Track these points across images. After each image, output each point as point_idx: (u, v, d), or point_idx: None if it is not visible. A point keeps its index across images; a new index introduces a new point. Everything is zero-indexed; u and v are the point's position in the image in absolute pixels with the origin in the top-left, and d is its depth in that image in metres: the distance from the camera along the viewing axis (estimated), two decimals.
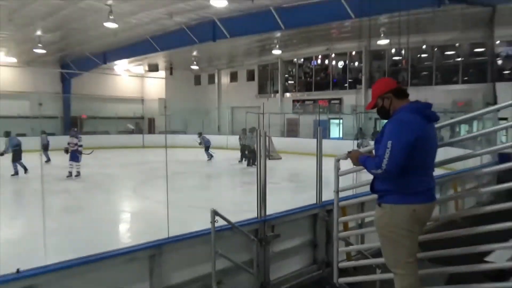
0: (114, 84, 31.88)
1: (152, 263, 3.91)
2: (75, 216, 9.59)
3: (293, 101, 28.13)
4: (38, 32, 20.46)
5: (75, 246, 6.37)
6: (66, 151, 14.87)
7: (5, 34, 20.99)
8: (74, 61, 27.99)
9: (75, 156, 14.56)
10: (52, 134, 26.80)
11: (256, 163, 5.07)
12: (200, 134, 21.15)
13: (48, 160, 18.82)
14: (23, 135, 23.96)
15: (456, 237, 3.43)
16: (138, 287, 3.84)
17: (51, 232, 7.18)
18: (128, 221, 9.83)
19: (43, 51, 22.53)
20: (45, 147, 19.20)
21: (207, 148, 20.75)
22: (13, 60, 25.90)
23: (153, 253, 3.92)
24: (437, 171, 4.75)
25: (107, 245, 4.22)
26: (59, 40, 22.51)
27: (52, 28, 19.96)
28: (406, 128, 2.90)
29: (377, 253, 3.91)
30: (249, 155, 18.19)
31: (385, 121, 3.18)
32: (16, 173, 15.08)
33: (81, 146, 14.79)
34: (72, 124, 28.62)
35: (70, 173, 14.62)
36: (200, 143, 20.71)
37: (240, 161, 19.22)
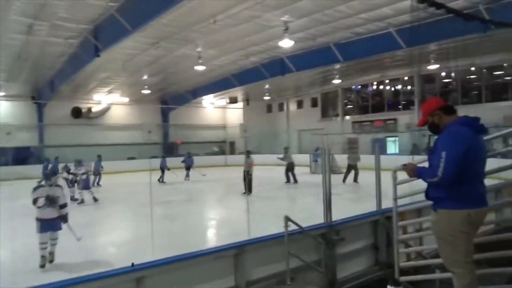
0: (202, 114, 33.17)
1: (236, 261, 3.97)
2: (174, 222, 9.94)
3: (352, 122, 27.51)
4: (145, 77, 22.02)
5: (174, 246, 6.62)
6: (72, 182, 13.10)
7: (120, 80, 22.90)
8: (171, 97, 29.67)
9: (85, 185, 12.76)
10: (155, 157, 28.43)
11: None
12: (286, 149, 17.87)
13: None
14: (133, 158, 25.83)
15: None
16: (225, 280, 3.92)
17: (154, 235, 7.55)
18: (215, 226, 10.05)
19: (148, 91, 24.18)
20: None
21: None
22: (126, 99, 28.03)
23: (237, 252, 3.98)
24: (492, 181, 4.35)
25: (199, 245, 4.35)
26: (160, 82, 24.05)
27: (154, 73, 21.43)
28: (457, 140, 2.77)
29: (435, 255, 3.67)
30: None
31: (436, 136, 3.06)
32: None
33: (84, 174, 12.81)
34: (170, 149, 30.16)
35: (82, 200, 12.57)
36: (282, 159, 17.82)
37: (287, 181, 16.63)
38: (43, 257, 6.20)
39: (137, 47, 16.21)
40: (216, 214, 11.66)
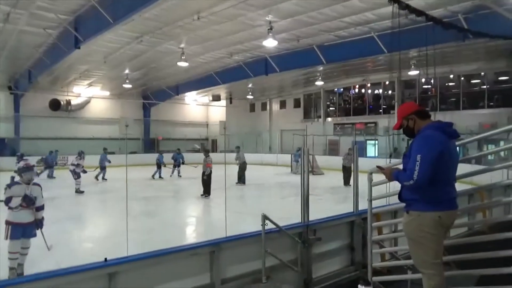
0: (184, 111, 32.95)
1: (212, 258, 3.96)
2: (151, 218, 9.84)
3: (334, 124, 27.82)
4: (126, 71, 21.66)
5: (150, 242, 6.54)
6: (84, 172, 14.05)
7: (101, 73, 22.44)
8: (153, 93, 29.36)
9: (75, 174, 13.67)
10: (134, 153, 28.06)
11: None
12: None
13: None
14: (112, 153, 25.33)
15: (484, 246, 3.23)
16: (200, 277, 3.90)
17: (132, 231, 7.44)
18: (193, 223, 9.99)
19: (130, 86, 23.78)
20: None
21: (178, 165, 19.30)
22: (107, 93, 27.54)
23: (213, 249, 3.96)
24: (465, 186, 4.46)
25: (176, 242, 4.31)
26: (142, 76, 23.70)
27: (137, 68, 21.09)
28: (431, 143, 2.84)
29: (408, 256, 3.75)
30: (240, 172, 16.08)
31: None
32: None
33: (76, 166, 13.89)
34: (151, 144, 29.82)
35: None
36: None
37: (238, 182, 16.02)
38: (12, 269, 5.20)
39: (119, 40, 15.90)
40: (195, 211, 11.60)
